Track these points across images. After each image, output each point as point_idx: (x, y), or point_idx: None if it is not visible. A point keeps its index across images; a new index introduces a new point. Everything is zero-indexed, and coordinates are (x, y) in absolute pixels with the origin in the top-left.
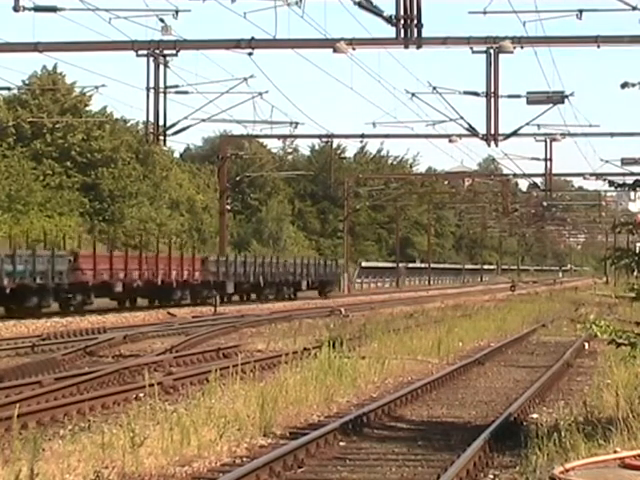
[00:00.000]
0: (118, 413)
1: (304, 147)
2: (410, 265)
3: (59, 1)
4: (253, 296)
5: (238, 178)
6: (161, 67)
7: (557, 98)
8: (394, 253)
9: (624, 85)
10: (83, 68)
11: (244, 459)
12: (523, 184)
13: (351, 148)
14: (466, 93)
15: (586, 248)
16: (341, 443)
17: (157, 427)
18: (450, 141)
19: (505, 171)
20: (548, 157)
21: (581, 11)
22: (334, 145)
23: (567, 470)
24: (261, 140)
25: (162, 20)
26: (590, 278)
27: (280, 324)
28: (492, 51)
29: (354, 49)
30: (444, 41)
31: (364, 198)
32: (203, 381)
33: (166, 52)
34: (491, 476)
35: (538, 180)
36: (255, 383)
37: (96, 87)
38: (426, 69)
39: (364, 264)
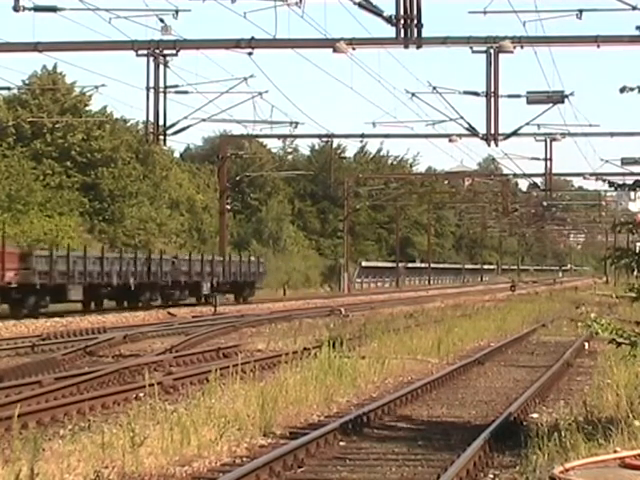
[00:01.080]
0: (118, 413)
1: (304, 147)
2: (410, 265)
3: (59, 1)
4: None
5: (238, 178)
6: (161, 67)
7: (557, 98)
8: (394, 253)
9: (623, 89)
10: (83, 68)
11: (244, 459)
12: (523, 184)
13: (351, 148)
14: (466, 93)
15: (586, 248)
16: (341, 443)
17: (157, 427)
18: (450, 141)
19: (505, 171)
20: (548, 157)
21: (581, 11)
22: (334, 145)
23: (567, 470)
24: (261, 140)
25: (162, 20)
26: (590, 278)
27: (280, 324)
28: (492, 51)
29: (354, 49)
30: (444, 41)
31: (364, 198)
32: (203, 381)
33: (166, 52)
34: (491, 476)
35: (538, 180)
36: (255, 383)
37: (96, 87)
38: (426, 69)
39: (364, 264)
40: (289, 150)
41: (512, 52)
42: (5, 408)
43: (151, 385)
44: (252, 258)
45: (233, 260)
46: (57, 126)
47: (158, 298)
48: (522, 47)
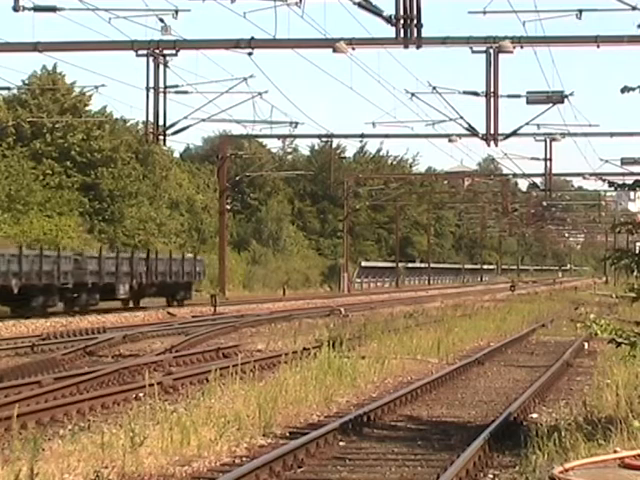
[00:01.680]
0: (118, 413)
1: (304, 147)
2: (410, 265)
3: (59, 1)
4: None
5: (238, 178)
6: (161, 67)
7: (557, 98)
8: (394, 253)
9: (624, 90)
10: (83, 68)
11: (244, 459)
12: (523, 184)
13: (351, 148)
14: (466, 93)
15: (586, 248)
16: (341, 443)
17: (157, 427)
18: (450, 141)
19: (505, 171)
20: (548, 157)
21: (581, 11)
22: (334, 145)
23: (567, 470)
24: (261, 140)
25: (162, 20)
26: (590, 278)
27: (280, 324)
28: (492, 51)
29: (354, 49)
30: (444, 41)
31: (364, 198)
32: (203, 381)
33: (166, 52)
34: (491, 476)
35: (538, 180)
36: (255, 383)
37: (96, 87)
38: (426, 69)
39: (364, 264)
40: (289, 150)
41: (512, 52)
42: (5, 408)
43: (151, 385)
44: (188, 255)
45: (161, 258)
46: (57, 126)
47: (57, 303)
48: (522, 47)
